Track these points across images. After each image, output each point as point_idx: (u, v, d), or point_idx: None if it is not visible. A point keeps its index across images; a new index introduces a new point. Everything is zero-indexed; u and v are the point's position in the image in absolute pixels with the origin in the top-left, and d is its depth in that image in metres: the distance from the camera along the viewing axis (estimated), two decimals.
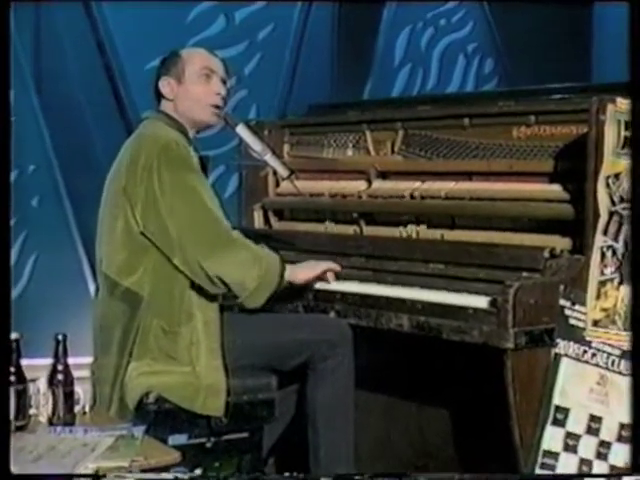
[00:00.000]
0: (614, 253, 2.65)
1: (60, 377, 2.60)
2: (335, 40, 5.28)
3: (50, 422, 2.61)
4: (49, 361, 2.62)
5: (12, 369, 2.52)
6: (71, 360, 2.63)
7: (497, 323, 2.57)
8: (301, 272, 2.97)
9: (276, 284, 2.81)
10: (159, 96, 2.94)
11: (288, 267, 2.89)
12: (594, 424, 2.64)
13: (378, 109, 3.59)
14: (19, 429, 2.53)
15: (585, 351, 2.64)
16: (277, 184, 3.76)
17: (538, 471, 2.59)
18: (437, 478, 3.03)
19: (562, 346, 2.62)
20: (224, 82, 2.95)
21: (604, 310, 2.65)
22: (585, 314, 2.63)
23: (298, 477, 2.74)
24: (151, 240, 2.75)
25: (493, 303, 2.62)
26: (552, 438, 2.61)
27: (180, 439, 2.79)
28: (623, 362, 2.65)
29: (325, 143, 3.67)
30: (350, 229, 3.47)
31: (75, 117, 4.62)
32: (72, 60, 4.65)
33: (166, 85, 2.92)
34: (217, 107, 2.92)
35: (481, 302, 2.66)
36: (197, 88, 2.90)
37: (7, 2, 2.43)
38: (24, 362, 2.57)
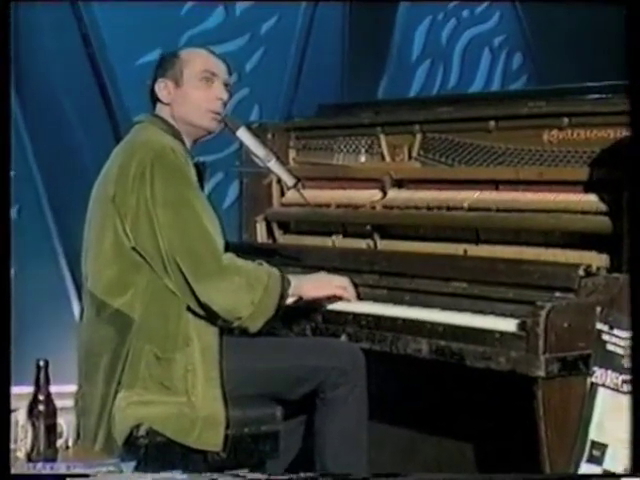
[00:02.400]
0: None
1: (41, 407, 2.60)
2: (346, 33, 5.29)
3: (29, 458, 2.60)
4: (29, 390, 2.62)
5: None
6: (53, 389, 2.64)
7: (526, 348, 2.58)
8: (309, 287, 2.99)
9: (274, 308, 2.83)
10: (154, 99, 2.95)
11: (294, 280, 2.90)
12: None
13: (394, 110, 3.61)
14: None
15: (625, 381, 2.63)
16: (282, 193, 3.78)
17: None
18: (438, 478, 3.04)
19: (599, 375, 2.61)
20: (226, 85, 2.96)
21: None
22: (625, 339, 2.63)
23: (299, 477, 2.76)
24: (143, 256, 2.76)
25: (522, 326, 2.62)
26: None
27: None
28: None
29: (335, 148, 3.69)
30: (363, 243, 3.48)
31: (58, 119, 4.64)
32: (54, 56, 4.67)
33: (163, 88, 2.93)
34: (217, 113, 2.93)
35: (509, 325, 2.67)
36: (196, 92, 2.92)
37: (7, 2, 2.52)
38: None
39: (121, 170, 2.79)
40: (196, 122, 2.93)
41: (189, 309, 2.78)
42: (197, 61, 2.94)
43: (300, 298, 2.98)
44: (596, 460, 2.61)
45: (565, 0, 5.39)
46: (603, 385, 2.61)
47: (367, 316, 3.01)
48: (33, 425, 2.60)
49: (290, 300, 2.92)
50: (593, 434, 2.61)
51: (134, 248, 2.76)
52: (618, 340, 2.62)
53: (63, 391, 2.86)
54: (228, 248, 2.86)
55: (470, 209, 3.17)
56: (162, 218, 2.74)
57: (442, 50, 5.64)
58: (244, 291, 2.76)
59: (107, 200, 2.79)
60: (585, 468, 2.60)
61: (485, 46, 5.77)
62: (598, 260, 2.80)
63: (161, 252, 2.74)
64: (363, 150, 3.61)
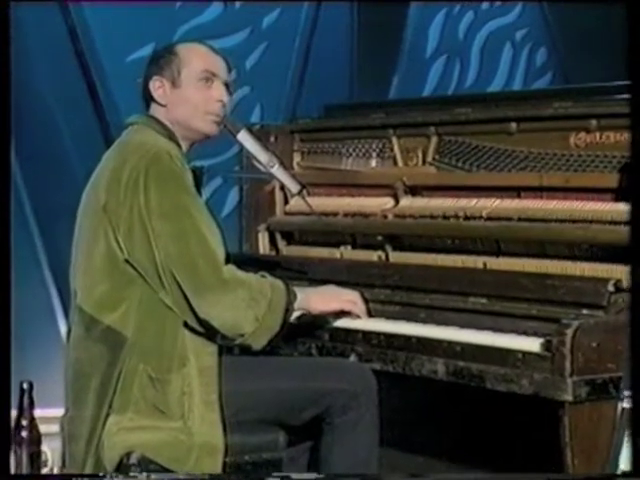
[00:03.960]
0: None
1: (24, 434, 2.61)
2: (355, 27, 5.30)
3: None
4: (12, 414, 2.63)
5: None
6: (38, 412, 2.65)
7: (552, 370, 2.59)
8: (317, 300, 3.01)
9: (279, 323, 2.84)
10: (148, 98, 2.96)
11: (300, 292, 2.92)
12: None
13: (407, 111, 3.62)
14: None
15: None
16: (285, 201, 3.79)
17: None
18: (444, 478, 3.06)
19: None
20: (226, 86, 2.98)
21: None
22: None
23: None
24: (137, 269, 2.78)
25: (547, 346, 2.63)
26: None
27: None
28: None
29: (343, 152, 3.71)
30: (373, 255, 3.50)
31: (42, 120, 4.64)
32: (38, 52, 4.68)
33: (158, 87, 2.94)
34: (217, 116, 2.94)
35: (532, 345, 2.68)
36: (195, 94, 2.93)
37: (7, 2, 2.62)
38: None
39: (113, 176, 2.80)
40: (194, 125, 2.94)
41: (186, 326, 2.79)
42: (197, 59, 2.94)
43: (304, 314, 2.99)
44: None
45: (568, 0, 5.41)
46: None
47: (378, 334, 3.02)
48: (15, 453, 2.60)
49: (295, 315, 2.94)
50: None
51: (127, 260, 2.77)
52: None
53: (48, 415, 2.87)
54: (229, 260, 2.87)
55: (490, 218, 3.18)
56: (158, 228, 2.75)
57: (459, 45, 5.65)
58: (247, 306, 2.78)
59: (98, 209, 2.80)
60: None
61: (506, 40, 5.77)
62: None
63: (157, 264, 2.75)
64: (374, 154, 3.63)
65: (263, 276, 2.90)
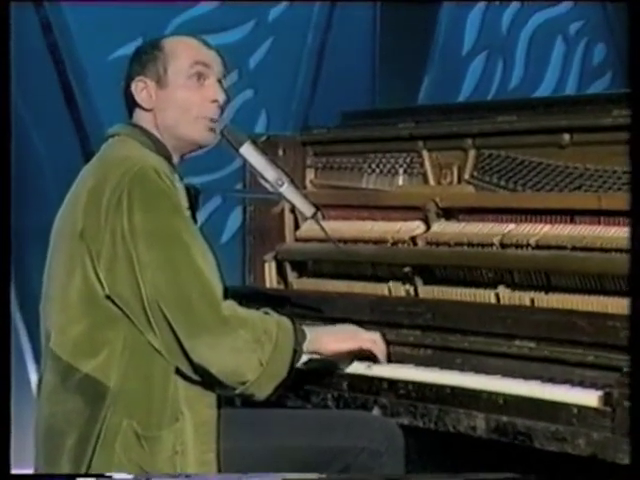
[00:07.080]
0: None
1: None
2: (377, 20, 5.32)
3: None
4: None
5: None
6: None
7: (612, 428, 2.59)
8: (329, 339, 3.01)
9: (286, 368, 2.85)
10: (131, 104, 2.98)
11: (310, 332, 2.93)
12: None
13: (439, 119, 3.63)
14: None
15: None
16: (296, 225, 3.80)
17: None
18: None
19: None
20: (224, 88, 2.99)
21: None
22: None
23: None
24: (120, 307, 2.78)
25: (607, 400, 2.64)
26: None
27: None
28: None
29: (364, 168, 3.72)
30: (401, 289, 3.50)
31: (9, 129, 4.67)
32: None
33: (141, 89, 2.95)
34: (212, 120, 2.96)
35: (589, 398, 2.68)
36: (185, 93, 2.94)
37: (7, 2, 2.76)
38: None
39: (91, 196, 2.81)
40: (184, 132, 2.94)
41: (179, 373, 2.80)
42: (185, 52, 2.95)
43: (316, 357, 3.00)
44: None
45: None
46: None
47: (406, 383, 3.03)
48: None
49: (304, 358, 2.95)
50: None
51: (109, 296, 2.78)
52: None
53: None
54: (227, 294, 2.88)
55: (538, 247, 3.19)
56: (144, 257, 2.75)
57: (501, 40, 5.66)
58: (250, 349, 2.78)
59: (74, 235, 2.81)
60: None
61: (557, 35, 5.78)
62: None
63: (143, 300, 2.76)
64: (400, 170, 3.64)
65: (266, 313, 2.91)
